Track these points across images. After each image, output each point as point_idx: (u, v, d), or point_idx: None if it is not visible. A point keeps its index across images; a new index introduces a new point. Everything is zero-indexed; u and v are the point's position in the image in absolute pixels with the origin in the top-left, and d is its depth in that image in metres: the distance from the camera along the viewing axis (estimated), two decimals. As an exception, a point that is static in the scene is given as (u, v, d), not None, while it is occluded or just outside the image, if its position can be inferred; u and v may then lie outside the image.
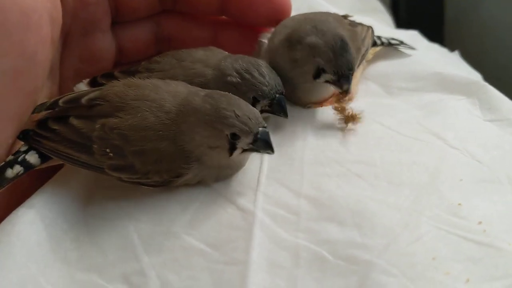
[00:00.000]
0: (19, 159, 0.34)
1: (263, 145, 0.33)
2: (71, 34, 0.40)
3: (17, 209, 0.35)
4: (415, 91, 0.44)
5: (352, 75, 0.38)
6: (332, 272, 0.30)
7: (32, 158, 0.35)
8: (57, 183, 0.37)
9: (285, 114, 0.37)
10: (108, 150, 0.33)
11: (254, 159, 0.37)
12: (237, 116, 0.32)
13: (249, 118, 0.33)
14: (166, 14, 0.44)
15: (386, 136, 0.38)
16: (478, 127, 0.40)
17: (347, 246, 0.31)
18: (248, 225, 0.32)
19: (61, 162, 0.36)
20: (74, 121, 0.34)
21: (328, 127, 0.39)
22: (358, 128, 0.38)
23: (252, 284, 0.30)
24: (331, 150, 0.37)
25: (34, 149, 0.35)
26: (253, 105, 0.36)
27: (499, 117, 0.40)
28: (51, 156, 0.35)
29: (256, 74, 0.36)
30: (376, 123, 0.39)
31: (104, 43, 0.42)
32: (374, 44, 0.46)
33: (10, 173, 0.34)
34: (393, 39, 0.49)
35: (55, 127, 0.34)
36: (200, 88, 0.35)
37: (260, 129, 0.33)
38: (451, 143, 0.37)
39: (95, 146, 0.33)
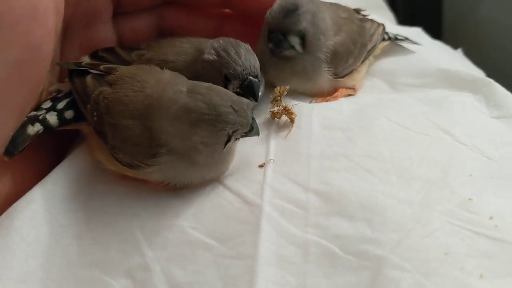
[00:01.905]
0: (40, 117, 0.35)
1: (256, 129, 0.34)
2: (71, 25, 0.39)
3: (16, 203, 0.34)
4: (421, 87, 0.44)
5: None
6: (343, 268, 0.29)
7: (52, 118, 0.35)
8: (57, 177, 0.35)
9: (254, 98, 0.37)
10: (95, 114, 0.34)
11: (260, 152, 0.36)
12: (236, 111, 0.32)
13: (245, 110, 0.32)
14: (168, 6, 0.43)
15: (394, 131, 0.37)
16: (485, 123, 0.39)
17: (358, 241, 0.30)
18: (256, 218, 0.32)
19: (77, 127, 0.37)
20: (88, 79, 0.36)
21: (333, 121, 0.38)
22: (365, 124, 0.38)
23: (261, 279, 0.29)
24: (338, 144, 0.36)
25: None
26: (225, 85, 0.36)
27: (506, 114, 0.40)
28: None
29: (232, 53, 0.36)
30: (383, 117, 0.38)
31: (105, 34, 0.41)
32: (383, 39, 0.46)
33: (31, 130, 0.34)
34: (398, 35, 0.48)
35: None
36: (177, 73, 0.35)
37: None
38: (460, 139, 0.36)
39: (89, 106, 0.35)
